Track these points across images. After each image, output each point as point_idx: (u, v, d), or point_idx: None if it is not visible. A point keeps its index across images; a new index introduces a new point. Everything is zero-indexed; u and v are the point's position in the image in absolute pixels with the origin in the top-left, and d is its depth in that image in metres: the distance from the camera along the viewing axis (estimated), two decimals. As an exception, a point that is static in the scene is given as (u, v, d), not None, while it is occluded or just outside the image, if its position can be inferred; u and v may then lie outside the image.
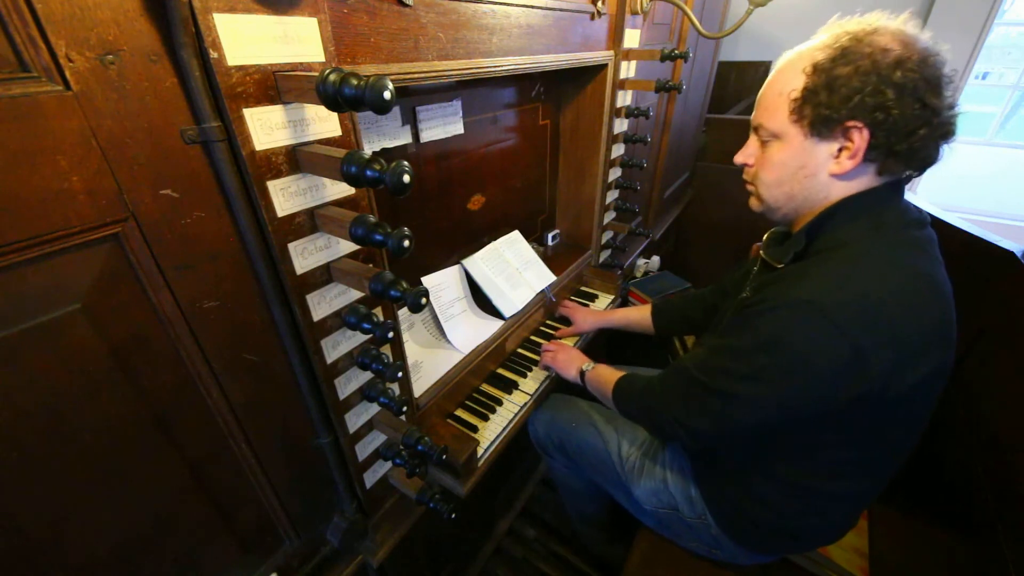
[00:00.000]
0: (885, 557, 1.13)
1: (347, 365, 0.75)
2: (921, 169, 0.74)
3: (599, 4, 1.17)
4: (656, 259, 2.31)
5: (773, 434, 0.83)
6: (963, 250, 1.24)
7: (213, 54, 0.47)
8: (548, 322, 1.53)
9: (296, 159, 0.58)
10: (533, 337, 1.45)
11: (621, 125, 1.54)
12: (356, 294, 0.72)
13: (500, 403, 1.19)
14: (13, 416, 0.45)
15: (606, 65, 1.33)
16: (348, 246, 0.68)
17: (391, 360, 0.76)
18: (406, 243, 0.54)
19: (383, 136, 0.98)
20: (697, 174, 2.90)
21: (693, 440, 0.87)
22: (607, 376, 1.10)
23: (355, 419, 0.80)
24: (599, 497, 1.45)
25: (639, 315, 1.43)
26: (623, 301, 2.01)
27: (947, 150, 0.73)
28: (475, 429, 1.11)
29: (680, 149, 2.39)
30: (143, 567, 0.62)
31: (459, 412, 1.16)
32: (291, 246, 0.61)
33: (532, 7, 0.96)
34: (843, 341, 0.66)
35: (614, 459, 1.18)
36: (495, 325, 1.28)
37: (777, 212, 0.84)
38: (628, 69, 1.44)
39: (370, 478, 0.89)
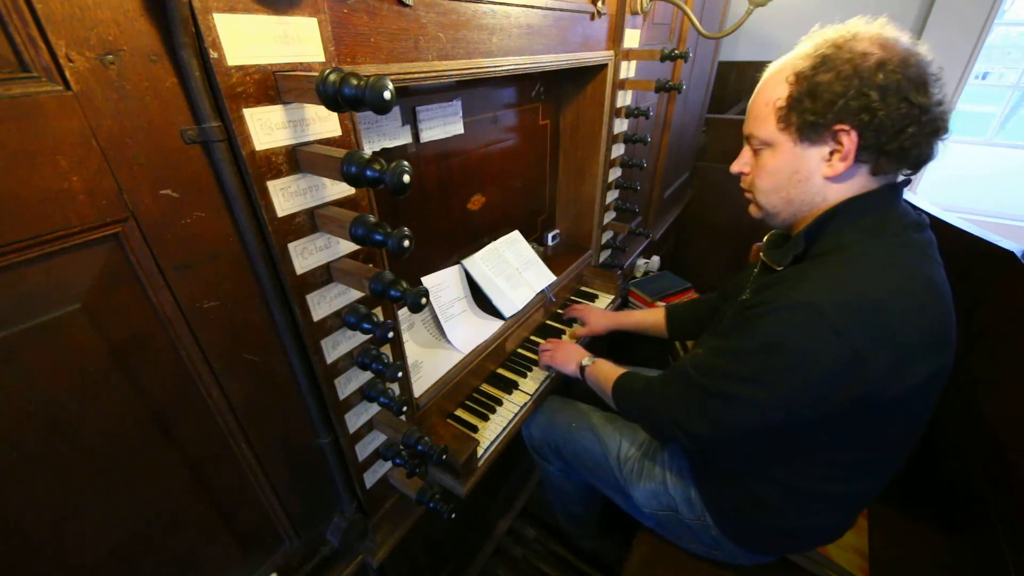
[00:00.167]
0: (885, 557, 1.13)
1: (347, 365, 0.75)
2: (916, 167, 0.75)
3: (599, 4, 1.17)
4: (656, 259, 2.31)
5: (772, 435, 0.82)
6: (963, 250, 1.24)
7: (213, 54, 0.47)
8: (549, 322, 1.53)
9: (296, 159, 0.58)
10: (533, 337, 1.44)
11: (621, 125, 1.54)
12: (356, 294, 0.72)
13: (500, 403, 1.19)
14: (13, 416, 0.45)
15: (606, 65, 1.33)
16: (348, 246, 0.68)
17: (391, 360, 0.76)
18: (406, 243, 0.54)
19: (383, 136, 0.98)
20: (697, 174, 2.90)
21: (692, 442, 0.87)
22: (607, 373, 1.09)
23: (355, 419, 0.80)
24: (590, 499, 1.46)
25: (653, 318, 1.43)
26: (623, 301, 2.01)
27: (942, 147, 0.74)
28: (475, 429, 1.11)
29: (680, 149, 2.39)
30: (143, 567, 0.62)
31: (459, 412, 1.16)
32: (291, 246, 0.61)
33: (532, 7, 0.96)
34: (842, 343, 0.66)
35: (612, 462, 1.18)
36: (495, 325, 1.28)
37: (776, 218, 0.85)
38: (628, 69, 1.44)
39: (370, 478, 0.89)
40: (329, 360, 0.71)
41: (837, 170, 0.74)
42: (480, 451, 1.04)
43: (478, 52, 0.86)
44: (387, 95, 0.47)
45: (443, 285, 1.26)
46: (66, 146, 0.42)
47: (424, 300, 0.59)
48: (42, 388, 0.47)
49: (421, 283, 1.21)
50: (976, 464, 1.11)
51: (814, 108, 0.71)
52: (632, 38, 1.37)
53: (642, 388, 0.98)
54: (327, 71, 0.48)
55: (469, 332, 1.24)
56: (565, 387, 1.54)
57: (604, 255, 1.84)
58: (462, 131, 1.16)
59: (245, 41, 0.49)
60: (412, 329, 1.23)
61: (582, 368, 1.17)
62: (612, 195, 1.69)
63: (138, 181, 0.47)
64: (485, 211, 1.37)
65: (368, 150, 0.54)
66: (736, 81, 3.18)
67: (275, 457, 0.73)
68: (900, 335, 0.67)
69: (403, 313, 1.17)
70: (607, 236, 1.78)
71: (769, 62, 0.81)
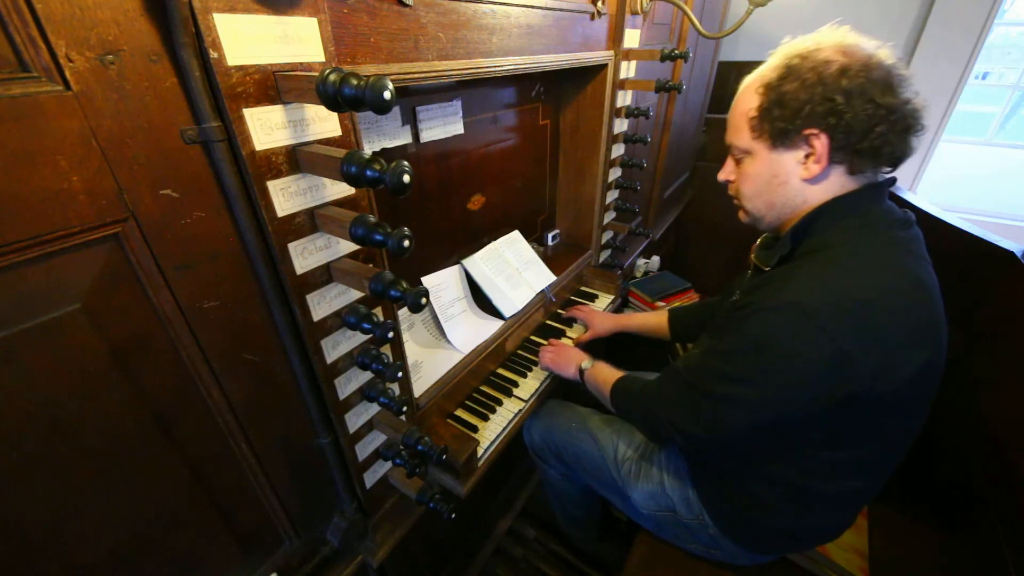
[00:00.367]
0: (885, 557, 1.13)
1: (347, 365, 0.75)
2: (894, 164, 0.78)
3: (599, 4, 1.17)
4: (656, 259, 2.32)
5: (766, 435, 0.83)
6: (963, 250, 1.24)
7: (213, 54, 0.47)
8: (549, 322, 1.53)
9: (296, 159, 0.58)
10: (533, 337, 1.44)
11: (621, 125, 1.54)
12: (356, 294, 0.72)
13: (500, 403, 1.19)
14: (13, 416, 0.45)
15: (606, 65, 1.33)
16: (348, 246, 0.68)
17: (391, 360, 0.76)
18: (406, 243, 0.54)
19: (383, 136, 0.98)
20: (697, 174, 2.90)
21: (688, 442, 0.88)
22: (606, 376, 1.10)
23: (355, 419, 0.80)
24: (589, 502, 1.46)
25: (656, 320, 1.44)
26: (623, 301, 2.02)
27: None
28: (475, 429, 1.11)
29: (680, 149, 2.39)
30: (143, 567, 0.62)
31: (459, 412, 1.16)
32: (291, 246, 0.61)
33: (532, 7, 0.96)
34: (828, 342, 0.68)
35: (610, 464, 1.18)
36: (495, 325, 1.28)
37: (763, 221, 0.88)
38: (628, 69, 1.44)
39: (370, 478, 0.89)
40: (329, 360, 0.71)
41: (813, 172, 0.77)
42: (480, 451, 1.04)
43: (478, 52, 0.86)
44: (387, 95, 0.47)
45: (443, 285, 1.26)
46: (66, 146, 0.42)
47: (424, 300, 0.59)
48: (42, 388, 0.47)
49: (421, 283, 1.21)
50: (976, 464, 1.11)
51: (783, 115, 0.75)
52: (632, 38, 1.37)
53: (639, 390, 0.99)
54: (327, 71, 0.48)
55: (469, 332, 1.24)
56: (565, 389, 1.54)
57: (604, 255, 1.84)
58: (462, 131, 1.16)
59: (245, 41, 0.49)
60: (412, 329, 1.23)
61: (581, 371, 1.17)
62: (612, 195, 1.69)
63: (138, 181, 0.47)
64: (485, 211, 1.37)
65: (368, 150, 0.54)
66: (736, 81, 3.14)
67: (275, 457, 0.73)
68: (886, 333, 0.69)
69: (403, 313, 1.17)
70: (607, 236, 1.78)
71: (769, 62, 0.82)
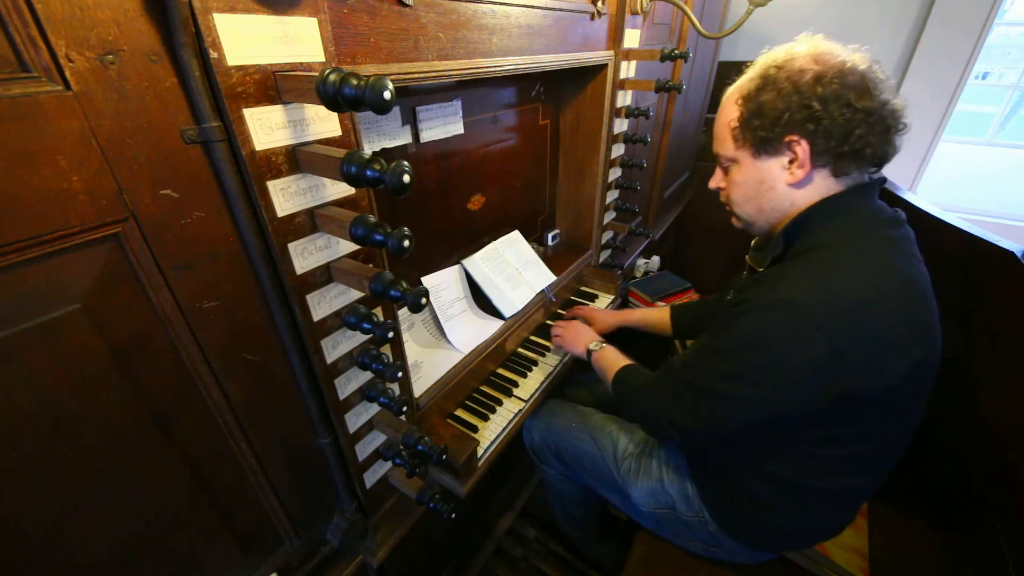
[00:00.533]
0: (885, 557, 1.13)
1: (347, 365, 0.75)
2: (878, 164, 0.79)
3: (599, 4, 1.17)
4: (656, 259, 2.32)
5: (762, 432, 0.84)
6: (963, 250, 1.24)
7: (213, 54, 0.47)
8: (549, 322, 1.53)
9: (296, 159, 0.58)
10: (533, 337, 1.45)
11: (621, 125, 1.54)
12: (356, 294, 0.72)
13: (500, 403, 1.19)
14: (13, 416, 0.45)
15: (606, 65, 1.33)
16: (348, 246, 0.68)
17: (391, 360, 0.76)
18: (406, 243, 0.54)
19: (383, 136, 0.98)
20: (697, 174, 2.90)
21: (685, 439, 0.91)
22: (611, 362, 1.12)
23: (355, 419, 0.80)
24: (589, 502, 1.46)
25: (658, 316, 1.45)
26: (623, 301, 2.02)
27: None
28: (475, 429, 1.11)
29: (680, 149, 2.40)
30: (143, 567, 0.62)
31: (459, 412, 1.16)
32: (291, 246, 0.61)
33: (532, 7, 0.96)
34: (819, 340, 0.69)
35: (610, 462, 1.18)
36: (495, 325, 1.28)
37: (754, 226, 0.91)
38: (628, 69, 1.44)
39: (370, 478, 0.89)
40: (329, 360, 0.71)
41: (797, 177, 0.79)
42: (480, 451, 1.04)
43: (478, 52, 0.86)
44: (387, 95, 0.47)
45: (443, 285, 1.26)
46: (66, 146, 0.42)
47: (424, 300, 0.59)
48: (42, 388, 0.47)
49: (421, 283, 1.21)
50: (976, 464, 1.11)
51: (763, 124, 0.78)
52: (632, 38, 1.37)
53: (639, 385, 1.01)
54: (327, 71, 0.48)
55: (469, 332, 1.24)
56: (565, 389, 1.54)
57: (604, 255, 1.84)
58: (462, 131, 1.16)
59: (245, 41, 0.49)
60: (412, 329, 1.23)
61: (589, 352, 1.20)
62: (612, 195, 1.69)
63: (138, 181, 0.47)
64: (485, 211, 1.37)
65: (368, 150, 0.54)
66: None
67: (275, 457, 0.73)
68: (877, 331, 0.70)
69: (403, 313, 1.17)
70: (607, 236, 1.78)
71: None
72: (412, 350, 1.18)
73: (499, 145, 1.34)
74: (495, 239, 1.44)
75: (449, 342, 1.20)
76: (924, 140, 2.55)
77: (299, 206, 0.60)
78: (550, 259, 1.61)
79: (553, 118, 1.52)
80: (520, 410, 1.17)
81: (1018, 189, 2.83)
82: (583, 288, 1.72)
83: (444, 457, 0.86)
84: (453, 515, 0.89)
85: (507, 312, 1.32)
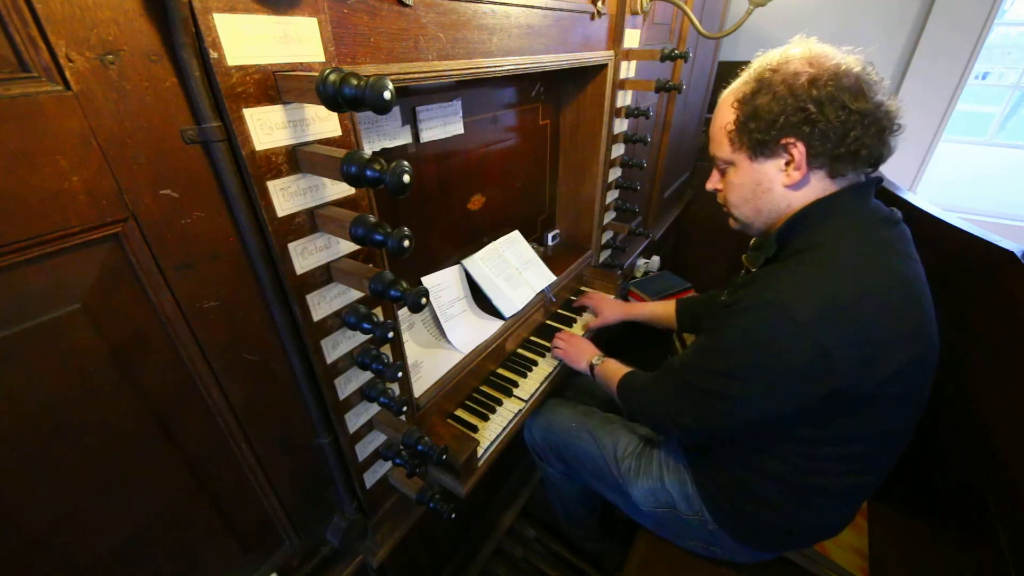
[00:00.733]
0: (885, 557, 1.13)
1: (347, 365, 0.75)
2: (874, 165, 0.80)
3: (599, 4, 1.17)
4: (656, 259, 2.32)
5: (760, 430, 0.86)
6: (963, 250, 1.24)
7: (213, 54, 0.47)
8: (549, 322, 1.53)
9: (296, 159, 0.58)
10: (533, 337, 1.45)
11: (621, 125, 1.54)
12: (356, 294, 0.72)
13: (500, 403, 1.19)
14: (13, 416, 0.45)
15: (606, 65, 1.33)
16: (348, 246, 0.68)
17: (391, 360, 0.76)
18: (406, 243, 0.54)
19: (383, 136, 0.98)
20: (697, 174, 2.90)
21: (685, 435, 0.93)
22: (614, 371, 1.14)
23: (355, 419, 0.80)
24: (590, 500, 1.47)
25: (663, 310, 1.47)
26: (624, 300, 2.01)
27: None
28: (475, 429, 1.11)
29: (680, 149, 2.40)
30: (143, 567, 0.62)
31: (459, 412, 1.16)
32: (291, 246, 0.61)
33: (532, 7, 0.96)
34: (807, 340, 0.70)
35: (610, 462, 1.19)
36: (495, 325, 1.28)
37: (751, 227, 0.92)
38: (628, 69, 1.44)
39: (370, 478, 0.89)
40: (329, 360, 0.71)
41: (794, 178, 0.80)
42: (480, 451, 1.04)
43: (478, 52, 0.86)
44: (387, 95, 0.47)
45: (443, 285, 1.26)
46: (66, 146, 0.42)
47: (424, 300, 0.59)
48: (42, 388, 0.47)
49: (421, 283, 1.21)
50: (976, 464, 1.11)
51: (759, 127, 0.78)
52: (632, 38, 1.37)
53: (641, 385, 1.03)
54: (327, 71, 0.48)
55: (469, 332, 1.24)
56: (565, 388, 1.54)
57: (604, 255, 1.84)
58: (462, 131, 1.16)
59: (245, 41, 0.49)
60: (412, 329, 1.23)
61: (592, 366, 1.22)
62: (612, 195, 1.69)
63: (138, 181, 0.47)
64: (485, 211, 1.37)
65: (368, 150, 0.54)
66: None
67: (275, 457, 0.73)
68: (868, 330, 0.71)
69: (403, 313, 1.17)
70: (607, 236, 1.78)
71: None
72: (412, 350, 1.18)
73: (499, 145, 1.34)
74: (495, 239, 1.44)
75: (449, 342, 1.20)
76: (924, 140, 2.55)
77: (299, 206, 0.60)
78: (550, 259, 1.61)
79: (553, 118, 1.52)
80: (520, 410, 1.17)
81: (1018, 189, 2.83)
82: (583, 288, 1.72)
83: (444, 457, 0.86)
84: (453, 515, 0.89)
85: (507, 312, 1.32)
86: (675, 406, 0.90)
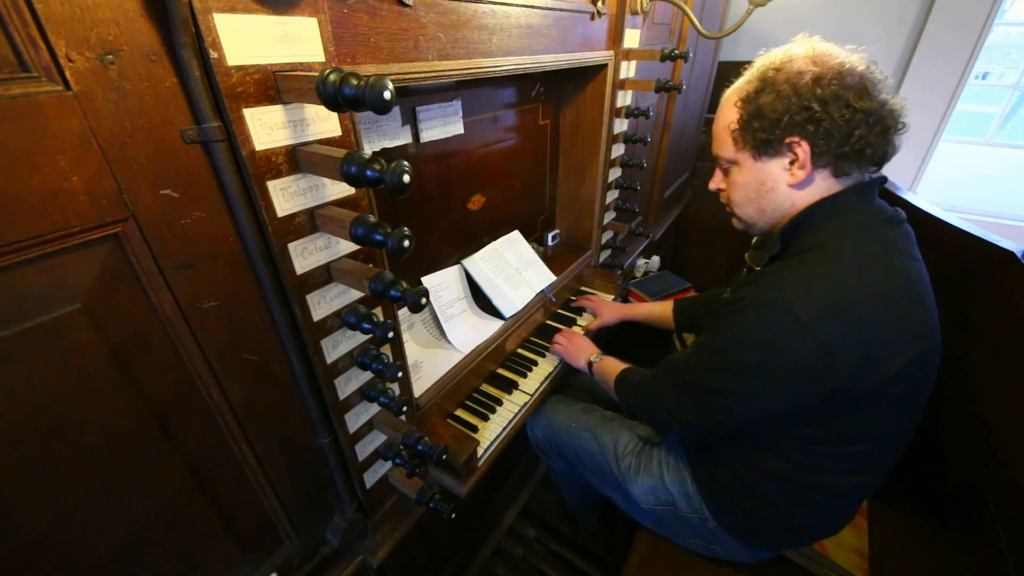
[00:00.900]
0: (885, 557, 1.13)
1: (347, 365, 0.75)
2: (878, 164, 0.79)
3: (599, 4, 1.17)
4: (656, 259, 2.32)
5: (760, 428, 0.86)
6: (963, 250, 1.24)
7: (213, 54, 0.47)
8: (549, 322, 1.53)
9: (296, 159, 0.58)
10: (533, 337, 1.45)
11: (621, 125, 1.54)
12: (356, 294, 0.72)
13: (500, 403, 1.19)
14: (13, 416, 0.45)
15: (606, 65, 1.33)
16: (348, 246, 0.68)
17: (391, 360, 0.76)
18: (406, 243, 0.54)
19: (383, 136, 0.98)
20: (697, 174, 2.90)
21: (684, 431, 0.92)
22: (612, 368, 1.15)
23: (355, 419, 0.80)
24: (594, 494, 1.48)
25: (661, 310, 1.47)
26: (623, 301, 2.01)
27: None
28: (475, 429, 1.11)
29: (680, 149, 2.39)
30: (143, 567, 0.62)
31: (459, 412, 1.16)
32: (291, 246, 0.61)
33: (532, 7, 0.96)
34: (809, 338, 0.70)
35: (610, 461, 1.19)
36: (495, 325, 1.28)
37: (755, 227, 0.92)
38: (628, 69, 1.44)
39: (370, 478, 0.89)
40: (329, 360, 0.71)
41: (798, 178, 0.79)
42: (480, 451, 1.04)
43: (478, 52, 0.86)
44: (387, 95, 0.47)
45: (443, 285, 1.26)
46: (66, 146, 0.42)
47: (424, 300, 0.59)
48: (42, 388, 0.47)
49: (421, 283, 1.21)
50: (976, 464, 1.11)
51: (763, 126, 0.78)
52: (632, 38, 1.37)
53: (639, 381, 1.04)
54: (327, 71, 0.48)
55: (469, 332, 1.24)
56: (565, 385, 1.54)
57: (604, 255, 1.84)
58: (462, 131, 1.16)
59: (245, 41, 0.49)
60: (412, 329, 1.23)
61: (590, 364, 1.23)
62: (612, 195, 1.69)
63: (138, 181, 0.47)
64: (485, 211, 1.37)
65: (368, 150, 0.54)
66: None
67: (275, 457, 0.73)
68: (870, 330, 0.70)
69: (403, 313, 1.17)
70: (607, 236, 1.78)
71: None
72: (412, 350, 1.18)
73: (499, 145, 1.34)
74: (495, 239, 1.44)
75: (449, 342, 1.20)
76: (924, 140, 2.55)
77: (299, 206, 0.60)
78: (550, 259, 1.61)
79: (553, 118, 1.52)
80: (520, 410, 1.17)
81: (1018, 189, 2.83)
82: (583, 288, 1.72)
83: (444, 457, 0.86)
84: (453, 515, 0.89)
85: (507, 312, 1.32)
86: (675, 403, 0.91)
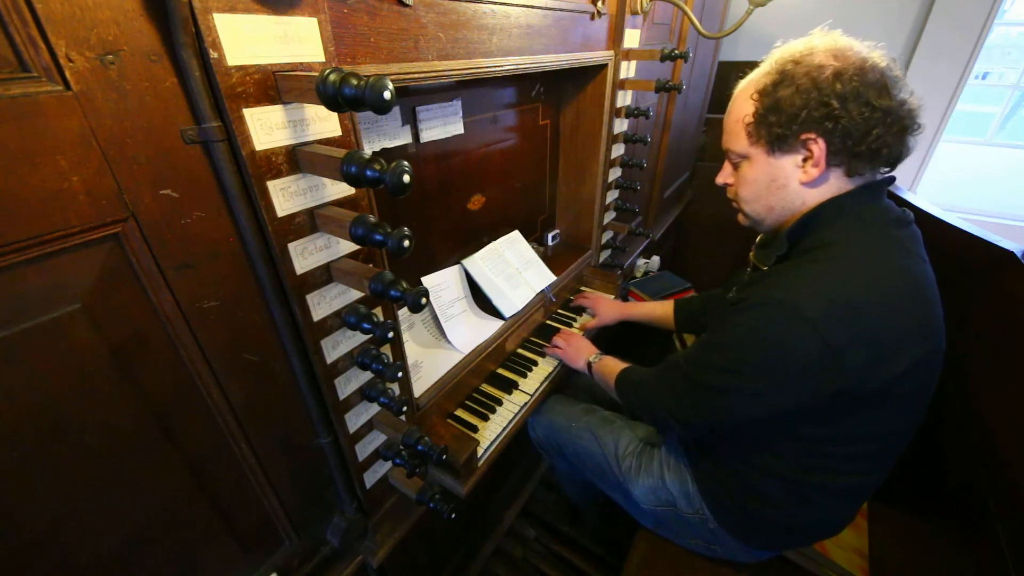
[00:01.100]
0: (885, 557, 1.13)
1: (347, 365, 0.75)
2: (892, 165, 0.78)
3: (599, 4, 1.17)
4: (656, 259, 2.31)
5: (762, 427, 0.86)
6: (963, 250, 1.24)
7: (213, 54, 0.47)
8: (549, 322, 1.53)
9: (296, 159, 0.58)
10: (533, 337, 1.45)
11: (621, 125, 1.54)
12: (356, 294, 0.72)
13: (500, 403, 1.19)
14: (13, 416, 0.45)
15: (606, 65, 1.33)
16: (348, 246, 0.68)
17: (391, 360, 0.76)
18: (406, 243, 0.54)
19: (383, 136, 0.98)
20: (697, 174, 2.90)
21: (685, 430, 0.92)
22: (611, 368, 1.14)
23: (355, 419, 0.80)
24: (597, 489, 1.48)
25: (662, 310, 1.46)
26: (623, 301, 2.01)
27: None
28: (475, 429, 1.11)
29: (680, 149, 2.39)
30: (143, 567, 0.62)
31: (459, 412, 1.16)
32: (291, 246, 0.61)
33: (532, 7, 0.96)
34: (815, 338, 0.69)
35: (611, 461, 1.19)
36: (495, 325, 1.28)
37: (762, 224, 0.90)
38: (628, 69, 1.44)
39: (370, 478, 0.89)
40: (329, 360, 0.71)
41: (811, 176, 0.77)
42: (480, 451, 1.04)
43: (478, 52, 0.86)
44: (387, 95, 0.47)
45: (443, 285, 1.26)
46: (66, 146, 0.42)
47: (424, 300, 0.59)
48: (42, 388, 0.47)
49: (421, 283, 1.21)
50: (976, 464, 1.11)
51: (779, 121, 0.75)
52: (632, 38, 1.37)
53: (640, 380, 1.03)
54: (327, 71, 0.48)
55: (469, 332, 1.24)
56: (566, 385, 1.54)
57: (604, 255, 1.84)
58: (462, 131, 1.16)
59: (245, 41, 0.49)
60: (412, 329, 1.23)
61: (589, 364, 1.22)
62: (612, 195, 1.69)
63: (138, 181, 0.47)
64: (485, 211, 1.37)
65: (368, 150, 0.54)
66: (736, 81, 3.17)
67: (275, 457, 0.73)
68: (876, 330, 0.70)
69: (403, 313, 1.17)
70: (607, 236, 1.78)
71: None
72: (412, 350, 1.18)
73: (499, 145, 1.34)
74: (495, 239, 1.44)
75: (449, 342, 1.20)
76: (924, 140, 2.55)
77: (299, 206, 0.60)
78: (550, 259, 1.61)
79: (553, 118, 1.52)
80: (520, 410, 1.17)
81: (1018, 189, 2.83)
82: (583, 288, 1.72)
83: (444, 457, 0.86)
84: (453, 515, 0.89)
85: (507, 312, 1.32)
86: (675, 401, 0.90)
